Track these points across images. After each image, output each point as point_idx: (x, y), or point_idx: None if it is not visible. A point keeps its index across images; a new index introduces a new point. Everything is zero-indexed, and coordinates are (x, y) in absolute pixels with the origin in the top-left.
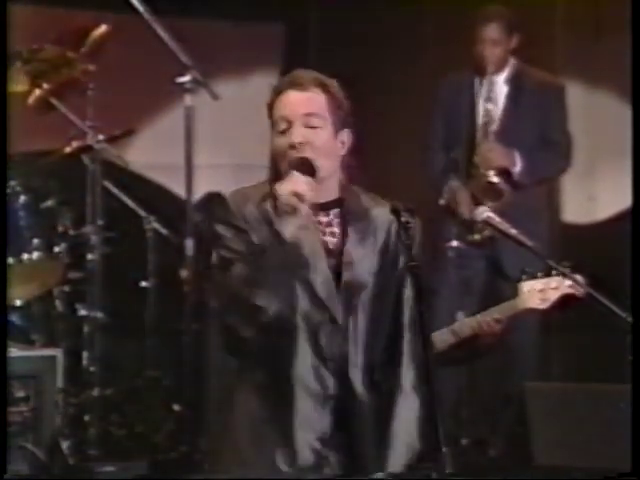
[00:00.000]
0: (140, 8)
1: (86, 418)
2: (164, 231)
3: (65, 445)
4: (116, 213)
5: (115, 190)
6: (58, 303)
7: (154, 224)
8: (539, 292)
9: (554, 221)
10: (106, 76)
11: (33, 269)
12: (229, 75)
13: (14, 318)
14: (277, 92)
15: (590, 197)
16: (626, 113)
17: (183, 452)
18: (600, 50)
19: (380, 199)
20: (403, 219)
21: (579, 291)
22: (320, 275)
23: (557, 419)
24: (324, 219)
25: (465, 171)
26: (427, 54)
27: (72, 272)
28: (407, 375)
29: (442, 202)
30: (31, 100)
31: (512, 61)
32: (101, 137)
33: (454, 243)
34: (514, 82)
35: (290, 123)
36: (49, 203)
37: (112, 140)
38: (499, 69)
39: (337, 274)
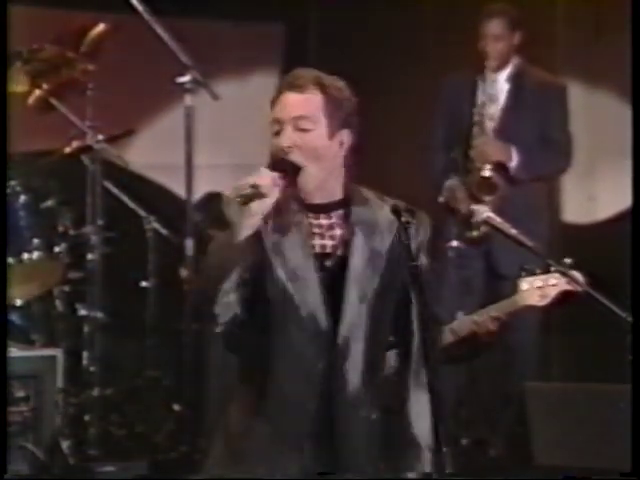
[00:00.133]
0: (140, 8)
1: (86, 418)
2: (164, 231)
3: (65, 445)
4: (116, 213)
5: (115, 190)
6: (58, 303)
7: (154, 224)
8: (538, 289)
9: (554, 221)
10: (106, 76)
11: (33, 269)
12: (229, 75)
13: (14, 318)
14: (277, 93)
15: (590, 197)
16: (626, 113)
17: (183, 452)
18: (600, 50)
19: (387, 198)
20: (403, 219)
21: (578, 287)
22: (305, 282)
23: (557, 419)
24: (325, 222)
25: (463, 167)
26: (427, 54)
27: (72, 272)
28: (418, 374)
29: (441, 200)
30: (31, 100)
31: (515, 59)
32: (101, 137)
33: (454, 243)
34: (515, 80)
35: (281, 125)
36: (49, 203)
37: (112, 140)
38: (501, 66)
39: (334, 278)
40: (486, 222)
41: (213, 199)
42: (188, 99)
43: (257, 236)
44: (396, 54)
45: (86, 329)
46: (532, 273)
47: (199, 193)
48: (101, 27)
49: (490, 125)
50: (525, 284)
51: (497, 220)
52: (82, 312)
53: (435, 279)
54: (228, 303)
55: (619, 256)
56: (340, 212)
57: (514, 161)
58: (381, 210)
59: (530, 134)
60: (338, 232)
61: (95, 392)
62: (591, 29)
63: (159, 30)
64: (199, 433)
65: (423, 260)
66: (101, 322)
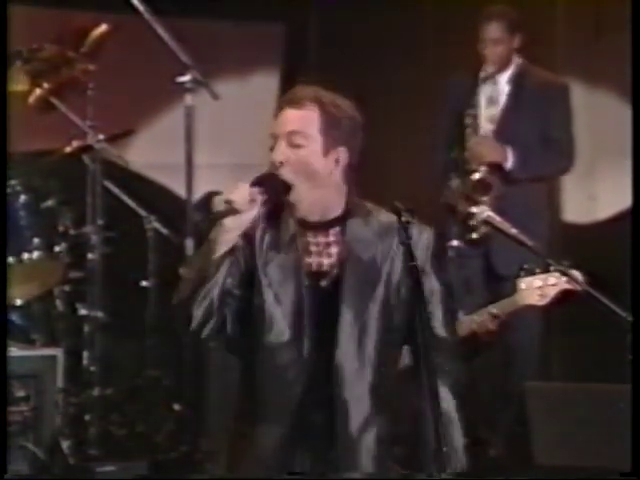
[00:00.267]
0: (140, 8)
1: (86, 418)
2: (164, 231)
3: (65, 445)
4: (116, 213)
5: (115, 190)
6: (58, 303)
7: (154, 224)
8: (538, 289)
9: (554, 221)
10: (106, 76)
11: (33, 269)
12: (229, 75)
13: (14, 317)
14: (277, 108)
15: (590, 196)
16: (626, 113)
17: (183, 452)
18: (600, 49)
19: (387, 212)
20: (403, 219)
21: (577, 286)
22: (287, 306)
23: (557, 419)
24: (322, 240)
25: (461, 168)
26: (428, 54)
27: (72, 272)
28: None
29: (442, 200)
30: (31, 100)
31: (517, 60)
32: (101, 137)
33: (454, 243)
34: (517, 81)
35: (276, 140)
36: (49, 203)
37: (112, 140)
38: (501, 68)
39: (328, 298)
40: (486, 221)
41: (213, 199)
42: (188, 99)
43: (251, 252)
44: (396, 54)
45: (86, 329)
46: (532, 273)
47: (199, 193)
48: (102, 27)
49: (490, 127)
50: (524, 284)
51: (497, 219)
52: (82, 312)
53: (447, 295)
54: (208, 313)
55: (619, 256)
56: (338, 229)
57: (509, 161)
58: (381, 221)
59: (531, 135)
60: (335, 250)
61: (95, 392)
62: (591, 29)
63: (159, 30)
64: (199, 433)
65: (428, 275)
66: (101, 322)
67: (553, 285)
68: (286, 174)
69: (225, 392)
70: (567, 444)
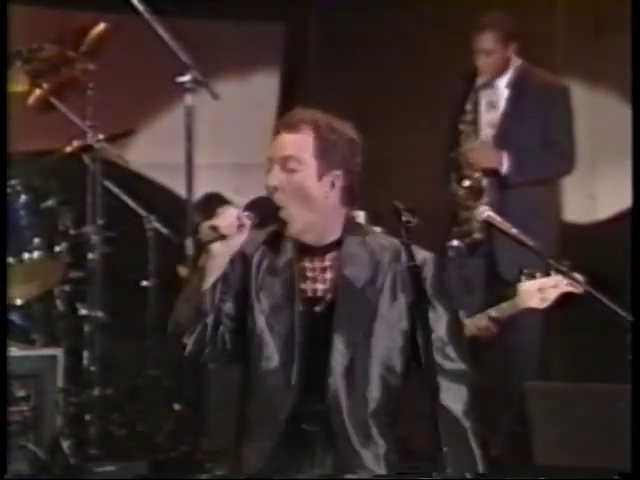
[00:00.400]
0: (140, 8)
1: (87, 418)
2: (164, 230)
3: (66, 445)
4: (116, 213)
5: (115, 189)
6: (58, 302)
7: (154, 223)
8: (538, 292)
9: (554, 220)
10: (106, 76)
11: (34, 268)
12: (229, 75)
13: (14, 317)
14: (274, 132)
15: (590, 196)
16: (626, 113)
17: (183, 452)
18: (600, 49)
19: (386, 236)
20: (404, 219)
21: (578, 289)
22: (279, 334)
23: (557, 419)
24: (319, 265)
25: (457, 172)
26: (427, 54)
27: (73, 271)
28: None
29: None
30: (31, 100)
31: (516, 62)
32: (101, 136)
33: (454, 243)
34: (516, 85)
35: (271, 164)
36: (50, 202)
37: (112, 139)
38: (495, 76)
39: (322, 323)
40: (486, 221)
41: (213, 199)
42: (188, 99)
43: (246, 276)
44: (396, 54)
45: (86, 329)
46: (532, 276)
47: (199, 192)
48: (101, 27)
49: (490, 132)
50: (525, 287)
51: (497, 219)
52: (82, 312)
53: (454, 323)
54: (202, 344)
55: (619, 256)
56: (335, 254)
57: (505, 166)
58: (380, 242)
59: (530, 138)
60: (329, 276)
61: (95, 392)
62: (591, 29)
63: (159, 30)
64: (199, 433)
65: (435, 307)
66: (101, 322)
67: (554, 287)
68: (280, 199)
69: (225, 392)
70: (567, 444)
